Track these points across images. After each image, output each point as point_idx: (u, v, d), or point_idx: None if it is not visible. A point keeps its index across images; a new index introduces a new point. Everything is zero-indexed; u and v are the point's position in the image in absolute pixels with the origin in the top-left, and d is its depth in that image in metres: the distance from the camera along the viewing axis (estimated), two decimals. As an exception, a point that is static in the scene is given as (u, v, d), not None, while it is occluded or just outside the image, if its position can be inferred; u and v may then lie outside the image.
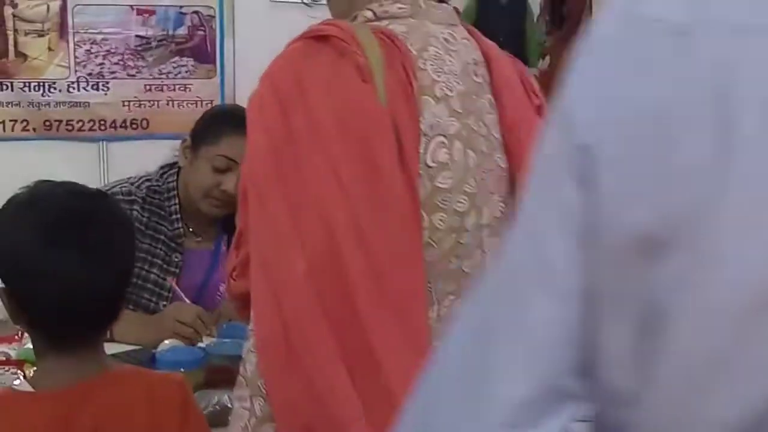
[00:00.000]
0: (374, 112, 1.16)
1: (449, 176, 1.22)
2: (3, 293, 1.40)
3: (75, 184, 1.49)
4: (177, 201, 2.39)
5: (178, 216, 2.38)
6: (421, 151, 1.19)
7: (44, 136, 4.08)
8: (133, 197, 2.34)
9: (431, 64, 1.25)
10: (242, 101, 3.90)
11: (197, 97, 4.23)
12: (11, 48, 3.97)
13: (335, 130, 1.14)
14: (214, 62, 4.24)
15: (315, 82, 1.17)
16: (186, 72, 4.21)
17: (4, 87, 4.00)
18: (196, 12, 4.17)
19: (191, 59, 4.21)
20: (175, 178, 2.42)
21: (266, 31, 4.22)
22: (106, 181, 4.12)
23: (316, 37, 1.21)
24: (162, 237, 2.37)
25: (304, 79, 1.17)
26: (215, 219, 2.41)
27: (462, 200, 1.23)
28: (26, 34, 3.98)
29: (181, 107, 4.21)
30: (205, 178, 2.33)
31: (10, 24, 3.95)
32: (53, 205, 1.39)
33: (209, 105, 4.18)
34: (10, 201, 1.43)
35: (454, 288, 1.24)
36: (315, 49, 1.20)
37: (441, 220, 1.21)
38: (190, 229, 2.42)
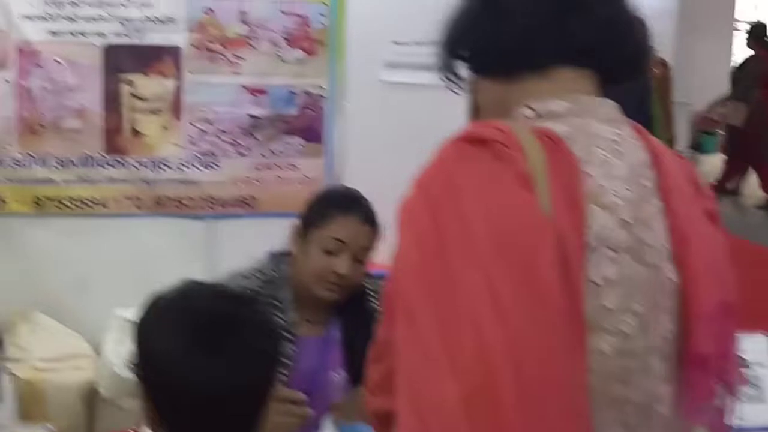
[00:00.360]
0: (535, 222, 1.07)
1: (617, 294, 1.12)
2: (141, 394, 1.38)
3: (222, 286, 1.46)
4: (290, 290, 2.36)
5: (292, 304, 2.35)
6: (587, 266, 1.11)
7: (155, 213, 4.13)
8: (246, 292, 2.32)
9: (598, 169, 1.16)
10: (349, 181, 3.92)
11: (304, 176, 4.25)
12: (126, 126, 4.05)
13: (491, 242, 1.06)
14: (322, 142, 4.25)
15: (470, 189, 1.09)
16: (295, 151, 4.23)
17: (118, 164, 4.06)
18: (306, 92, 4.20)
19: (300, 138, 4.23)
20: (288, 266, 2.40)
21: (376, 110, 4.26)
22: (213, 259, 4.17)
23: (471, 140, 1.14)
24: None
25: (458, 186, 1.10)
26: (327, 304, 2.38)
27: (630, 321, 1.13)
28: (141, 112, 4.05)
29: (288, 186, 4.22)
30: (317, 262, 2.30)
31: (126, 102, 4.03)
32: (200, 308, 1.37)
33: (316, 184, 4.19)
34: (158, 300, 1.41)
35: (618, 417, 1.14)
36: (470, 153, 1.12)
37: (607, 343, 1.12)
38: (306, 317, 2.39)
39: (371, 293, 2.41)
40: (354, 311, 2.39)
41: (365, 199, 2.41)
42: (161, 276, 4.01)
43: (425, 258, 1.09)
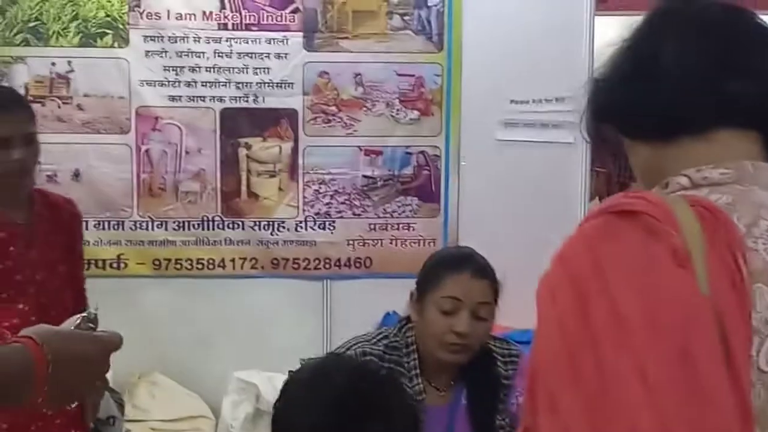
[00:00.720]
0: (693, 303, 0.97)
1: None
2: None
3: (362, 362, 1.42)
4: (416, 356, 2.30)
5: (418, 371, 2.29)
6: (753, 352, 1.00)
7: (271, 274, 4.15)
8: (368, 357, 2.27)
9: (764, 243, 1.04)
10: (465, 241, 3.86)
11: (420, 236, 4.21)
12: (244, 188, 4.08)
13: (643, 325, 0.96)
14: (438, 201, 4.21)
15: (618, 268, 1.00)
16: (410, 211, 4.20)
17: (236, 226, 4.10)
18: (422, 152, 4.17)
19: (416, 198, 4.20)
20: (413, 332, 2.35)
21: (492, 169, 4.21)
22: (329, 319, 4.18)
23: (619, 213, 1.05)
24: None
25: (605, 264, 1.00)
26: (453, 369, 2.31)
27: None
28: (258, 174, 4.09)
29: (404, 246, 4.19)
30: (436, 324, 2.25)
31: (243, 165, 4.07)
32: (337, 386, 1.32)
33: (432, 244, 4.17)
34: (299, 374, 1.37)
35: None
36: (618, 227, 1.03)
37: None
38: (431, 384, 2.32)
39: (498, 357, 2.34)
40: (480, 376, 2.32)
41: (477, 255, 2.35)
42: (278, 336, 4.07)
43: (569, 344, 1.00)
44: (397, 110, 4.14)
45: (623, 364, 0.95)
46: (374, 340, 2.34)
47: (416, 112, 4.15)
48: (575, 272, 1.02)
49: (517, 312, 3.45)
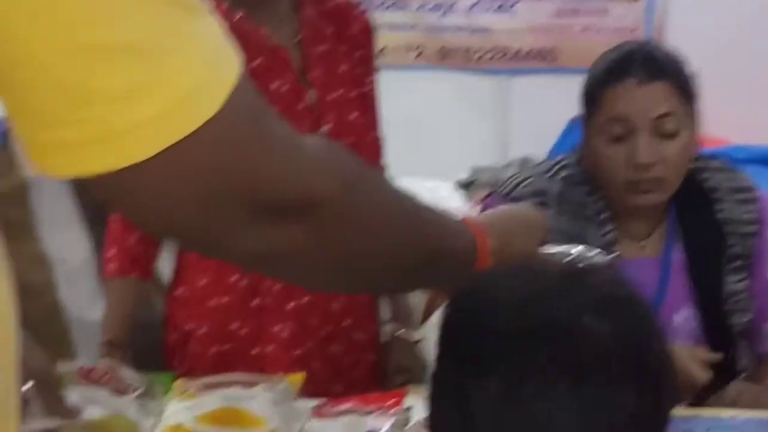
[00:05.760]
0: None
1: None
2: None
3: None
4: (602, 194, 1.75)
5: (608, 214, 1.74)
6: None
7: (438, 66, 3.71)
8: (545, 198, 1.74)
9: None
10: (672, 32, 3.22)
11: (617, 25, 3.62)
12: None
13: None
14: (642, -18, 3.60)
15: None
16: (606, -7, 3.63)
17: (398, 8, 3.64)
18: None
19: (614, -21, 3.61)
20: None
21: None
22: (504, 122, 3.69)
23: None
24: None
25: None
26: (655, 213, 1.76)
27: None
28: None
29: (597, 36, 3.61)
30: (607, 159, 1.69)
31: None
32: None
33: (631, 34, 3.57)
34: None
35: None
36: None
37: None
38: (627, 234, 1.77)
39: (717, 188, 1.76)
40: (696, 221, 1.77)
41: (648, 48, 1.76)
42: (444, 140, 3.59)
43: None
44: None
45: None
46: (552, 171, 1.79)
47: None
48: None
49: (730, 120, 2.89)
